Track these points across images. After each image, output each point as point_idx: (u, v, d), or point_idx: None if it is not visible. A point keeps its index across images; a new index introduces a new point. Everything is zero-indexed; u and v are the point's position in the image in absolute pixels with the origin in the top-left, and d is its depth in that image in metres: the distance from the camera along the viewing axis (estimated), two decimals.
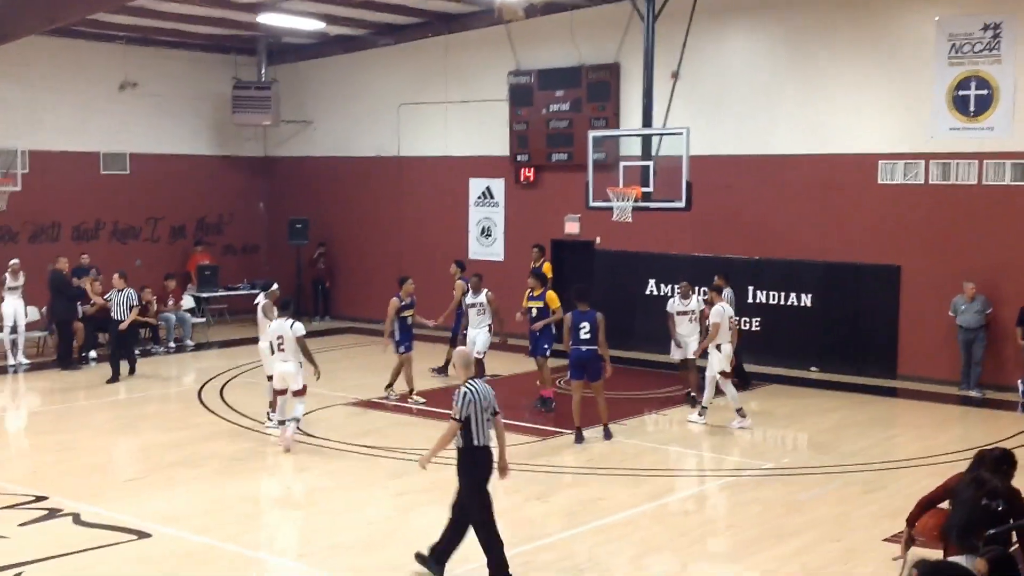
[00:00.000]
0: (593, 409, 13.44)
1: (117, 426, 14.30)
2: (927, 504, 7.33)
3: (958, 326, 16.25)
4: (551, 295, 15.19)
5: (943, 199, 16.81)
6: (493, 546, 8.56)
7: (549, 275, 17.20)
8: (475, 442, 8.49)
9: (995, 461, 6.89)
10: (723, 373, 14.11)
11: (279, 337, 12.99)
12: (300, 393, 13.07)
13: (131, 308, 17.50)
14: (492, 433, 8.66)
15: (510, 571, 8.53)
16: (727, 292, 15.36)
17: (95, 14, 18.69)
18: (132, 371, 17.39)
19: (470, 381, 8.63)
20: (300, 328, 13.01)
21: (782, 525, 10.21)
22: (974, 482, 6.69)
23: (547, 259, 18.81)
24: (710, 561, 9.40)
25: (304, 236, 23.56)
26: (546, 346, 15.07)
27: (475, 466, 8.56)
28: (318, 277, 23.98)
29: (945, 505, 7.04)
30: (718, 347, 14.08)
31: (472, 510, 8.57)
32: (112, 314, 17.46)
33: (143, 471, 11.97)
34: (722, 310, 14.26)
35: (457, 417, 8.46)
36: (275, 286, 14.88)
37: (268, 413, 13.93)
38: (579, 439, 13.30)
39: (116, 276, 17.79)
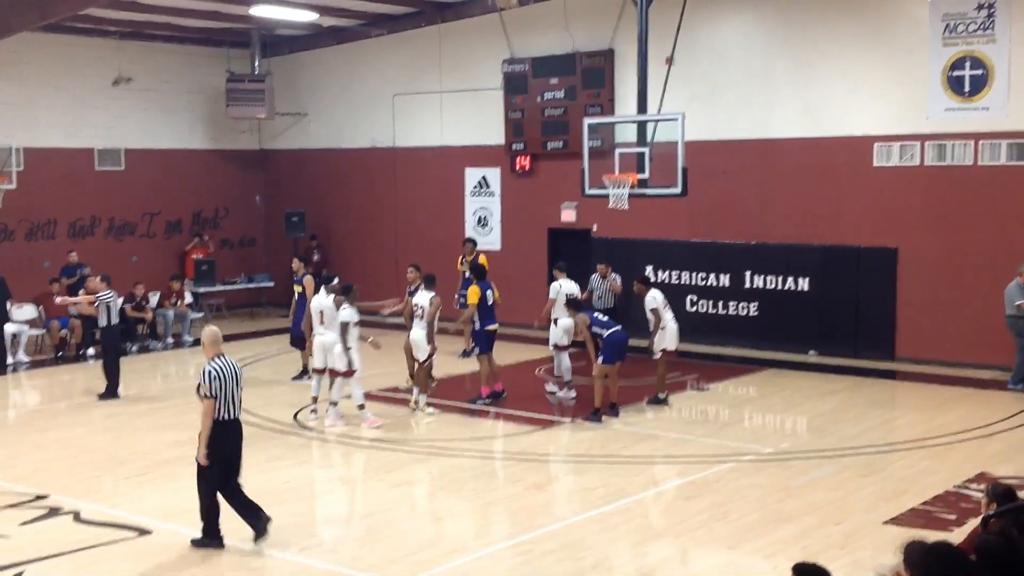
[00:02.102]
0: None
1: (116, 423, 14.30)
2: None
3: (1012, 316, 15.28)
4: (472, 290, 15.02)
5: (939, 180, 16.79)
6: (245, 506, 9.25)
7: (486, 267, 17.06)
8: (219, 416, 9.07)
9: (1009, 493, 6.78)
10: (556, 346, 15.16)
11: (320, 312, 13.76)
12: (349, 375, 13.55)
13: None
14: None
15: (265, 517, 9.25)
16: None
17: (87, 9, 18.64)
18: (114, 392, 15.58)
19: (216, 358, 9.19)
20: (345, 315, 13.40)
21: (782, 509, 10.22)
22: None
23: (479, 251, 18.52)
24: (710, 547, 9.41)
25: (301, 229, 23.53)
26: (473, 344, 15.11)
27: (218, 439, 9.09)
28: (314, 270, 23.91)
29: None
30: (555, 321, 15.14)
31: (211, 479, 9.17)
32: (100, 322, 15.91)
33: (143, 468, 11.98)
34: (559, 287, 15.17)
35: (209, 394, 9.01)
36: (336, 279, 14.84)
37: (312, 408, 14.02)
38: (616, 413, 13.86)
39: (98, 279, 16.26)
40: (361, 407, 13.59)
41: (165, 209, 23.38)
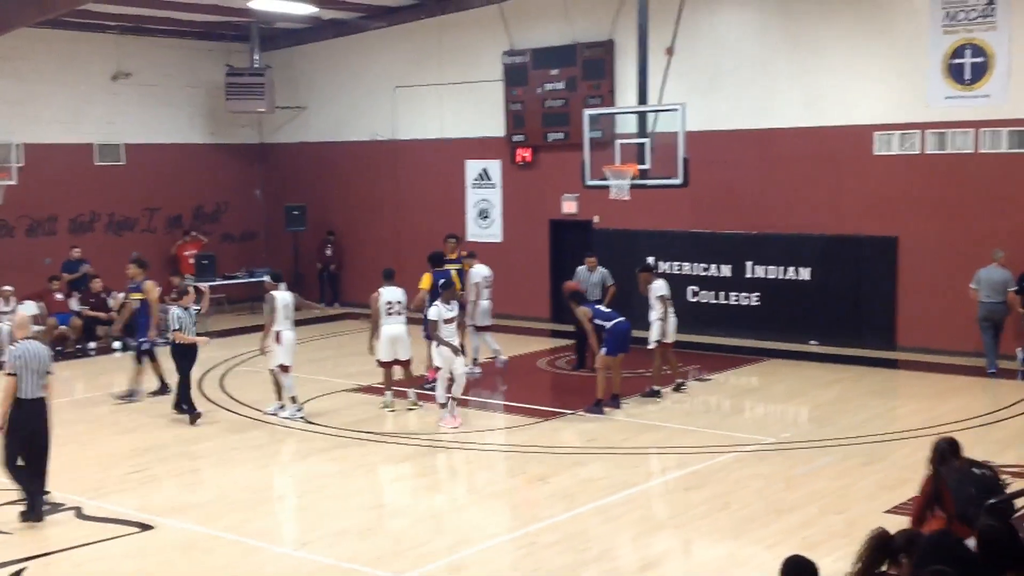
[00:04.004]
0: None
1: (117, 418, 14.28)
2: (921, 514, 7.37)
3: (999, 303, 15.38)
4: (425, 276, 15.19)
5: (939, 169, 16.75)
6: (23, 484, 9.85)
7: (467, 268, 16.97)
8: (20, 395, 9.71)
9: (952, 446, 7.36)
10: (476, 327, 16.03)
11: (284, 307, 13.78)
12: (433, 372, 13.61)
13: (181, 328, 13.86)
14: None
15: (41, 509, 9.87)
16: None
17: (85, 4, 18.62)
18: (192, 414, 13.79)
19: (23, 341, 9.89)
20: (434, 312, 13.33)
21: (784, 499, 10.22)
22: (958, 464, 7.08)
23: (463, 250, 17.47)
24: (712, 538, 9.41)
25: (301, 222, 23.51)
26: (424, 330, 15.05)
27: (17, 415, 9.70)
28: (325, 263, 23.93)
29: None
30: (473, 303, 15.98)
31: (5, 454, 9.77)
32: (172, 335, 13.99)
33: (144, 463, 11.97)
34: (476, 272, 16.14)
35: (12, 372, 9.70)
36: (280, 275, 14.74)
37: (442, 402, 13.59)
38: (618, 404, 13.89)
39: (191, 286, 14.83)
40: (443, 405, 13.32)
41: (165, 204, 23.34)
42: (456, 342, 13.41)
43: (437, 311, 13.29)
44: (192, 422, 13.55)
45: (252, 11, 20.97)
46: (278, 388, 13.95)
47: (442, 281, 14.90)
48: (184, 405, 13.75)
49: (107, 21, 21.26)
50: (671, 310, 14.72)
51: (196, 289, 14.81)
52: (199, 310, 14.48)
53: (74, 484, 11.06)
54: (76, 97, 21.83)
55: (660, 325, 14.51)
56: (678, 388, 14.85)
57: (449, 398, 13.32)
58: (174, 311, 14.00)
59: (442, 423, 13.23)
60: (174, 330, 13.87)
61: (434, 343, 13.48)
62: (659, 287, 14.63)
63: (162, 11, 20.87)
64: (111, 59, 22.17)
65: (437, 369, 13.46)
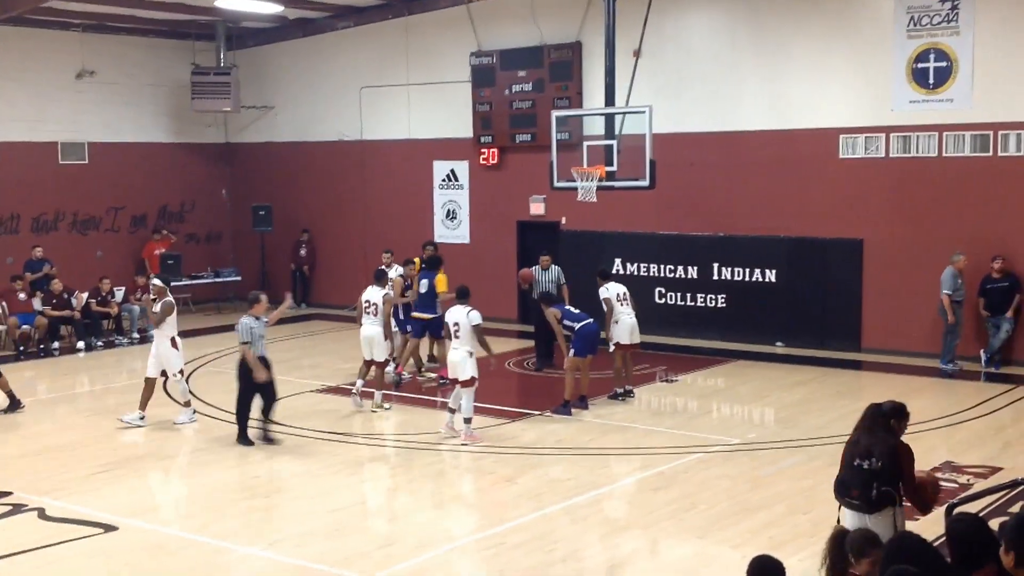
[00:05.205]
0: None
1: (81, 419, 14.15)
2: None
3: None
4: (397, 281, 15.62)
5: (904, 172, 16.92)
6: None
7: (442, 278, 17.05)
8: None
9: (874, 417, 7.37)
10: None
11: (455, 324, 12.56)
12: (468, 384, 12.45)
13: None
14: None
15: None
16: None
17: (49, 1, 18.46)
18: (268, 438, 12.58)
19: None
20: (476, 316, 12.55)
21: (750, 500, 10.27)
22: (852, 443, 7.29)
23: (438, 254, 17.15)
24: (679, 537, 9.44)
25: (268, 223, 23.38)
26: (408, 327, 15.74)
27: None
28: (298, 264, 23.80)
29: None
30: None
31: None
32: (254, 353, 12.38)
33: (108, 464, 11.84)
34: (396, 270, 16.18)
35: None
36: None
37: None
38: (586, 405, 13.92)
39: (263, 294, 12.96)
40: (468, 420, 12.53)
41: (130, 203, 23.14)
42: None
43: (478, 315, 12.59)
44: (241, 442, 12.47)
45: (218, 10, 20.87)
46: (148, 396, 13.49)
47: (426, 282, 15.34)
48: (240, 425, 12.50)
49: (71, 19, 21.07)
50: (625, 312, 14.47)
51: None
52: (267, 321, 12.73)
53: (37, 484, 10.96)
54: (40, 95, 21.59)
55: (613, 327, 14.43)
56: (615, 396, 14.53)
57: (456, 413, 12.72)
58: (244, 321, 12.44)
59: (464, 436, 12.59)
60: (243, 343, 12.40)
61: (468, 351, 12.50)
62: (603, 290, 14.49)
63: (127, 9, 20.69)
64: (75, 57, 21.96)
65: (470, 380, 12.51)
